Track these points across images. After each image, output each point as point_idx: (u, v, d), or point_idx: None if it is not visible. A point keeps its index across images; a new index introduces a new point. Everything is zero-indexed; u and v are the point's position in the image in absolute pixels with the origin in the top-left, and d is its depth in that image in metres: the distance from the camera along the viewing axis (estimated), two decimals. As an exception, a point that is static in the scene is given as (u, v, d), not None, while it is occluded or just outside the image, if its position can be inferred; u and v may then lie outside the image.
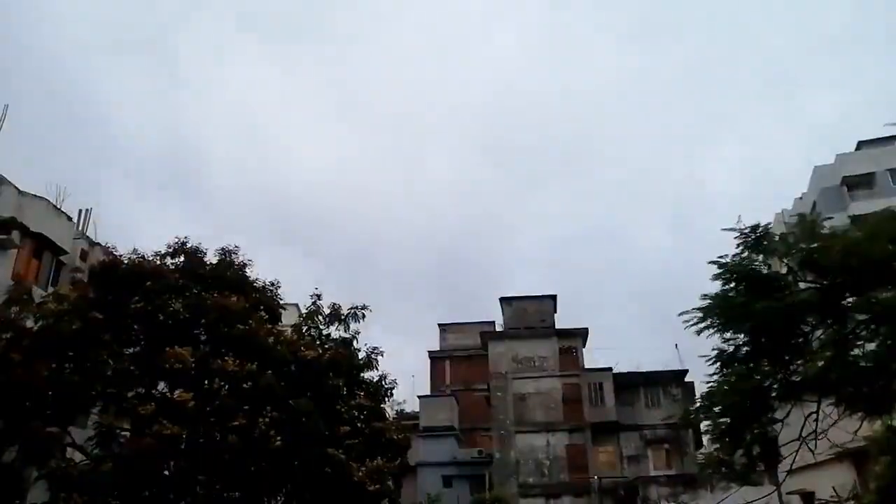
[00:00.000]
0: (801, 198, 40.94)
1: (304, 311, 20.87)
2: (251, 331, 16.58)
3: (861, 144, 40.27)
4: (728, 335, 9.70)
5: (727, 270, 9.78)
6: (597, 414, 38.66)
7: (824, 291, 9.04)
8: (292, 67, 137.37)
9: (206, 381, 15.40)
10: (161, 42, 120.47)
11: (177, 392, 15.61)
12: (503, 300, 43.51)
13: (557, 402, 39.40)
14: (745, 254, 9.79)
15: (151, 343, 16.67)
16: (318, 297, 20.58)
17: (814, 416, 9.77)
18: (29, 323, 16.41)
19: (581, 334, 41.40)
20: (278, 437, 14.94)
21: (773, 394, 9.49)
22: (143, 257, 18.32)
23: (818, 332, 9.61)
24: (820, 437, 9.87)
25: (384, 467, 17.35)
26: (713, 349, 9.99)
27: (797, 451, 10.23)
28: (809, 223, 9.90)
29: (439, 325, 54.03)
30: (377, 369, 20.41)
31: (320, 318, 20.50)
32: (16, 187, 21.65)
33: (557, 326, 42.12)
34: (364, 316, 20.44)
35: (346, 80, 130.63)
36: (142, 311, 16.47)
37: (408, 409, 45.91)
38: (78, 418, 16.74)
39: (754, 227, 9.71)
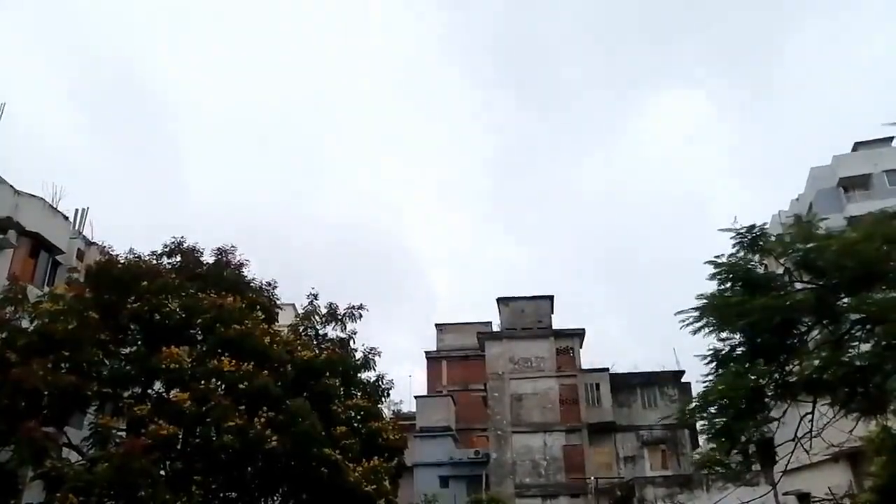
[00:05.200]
0: (797, 199, 41.04)
1: (300, 311, 20.85)
2: (247, 331, 16.55)
3: (857, 146, 40.35)
4: (724, 335, 9.73)
5: (723, 270, 9.81)
6: (593, 414, 38.66)
7: (820, 292, 9.06)
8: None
9: (202, 382, 15.36)
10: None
11: (173, 392, 15.59)
12: (500, 300, 43.48)
13: (554, 402, 39.38)
14: (742, 254, 9.82)
15: (147, 343, 16.64)
16: (315, 297, 20.57)
17: (809, 416, 9.79)
18: (25, 323, 16.36)
19: (578, 335, 41.40)
20: (274, 438, 14.91)
21: (769, 393, 9.51)
22: (139, 257, 18.31)
23: (814, 333, 9.64)
24: (815, 437, 9.89)
25: (381, 467, 17.33)
26: (709, 348, 10.03)
27: (793, 451, 10.26)
28: (806, 224, 9.94)
29: (436, 325, 54.03)
30: (374, 369, 20.43)
31: (317, 318, 20.48)
32: (12, 186, 21.60)
33: (554, 327, 42.13)
34: (361, 316, 20.46)
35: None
36: (138, 312, 16.44)
37: (405, 409, 45.96)
38: (74, 418, 16.69)
39: (750, 228, 9.74)
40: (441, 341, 53.21)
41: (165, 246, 19.26)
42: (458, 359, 50.99)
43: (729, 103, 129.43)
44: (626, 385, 39.71)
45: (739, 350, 9.80)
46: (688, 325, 9.82)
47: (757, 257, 10.06)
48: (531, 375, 40.17)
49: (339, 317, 20.39)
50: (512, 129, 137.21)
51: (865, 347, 8.92)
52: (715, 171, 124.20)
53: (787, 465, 10.98)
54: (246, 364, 15.75)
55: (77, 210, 25.56)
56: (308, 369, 17.34)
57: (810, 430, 9.80)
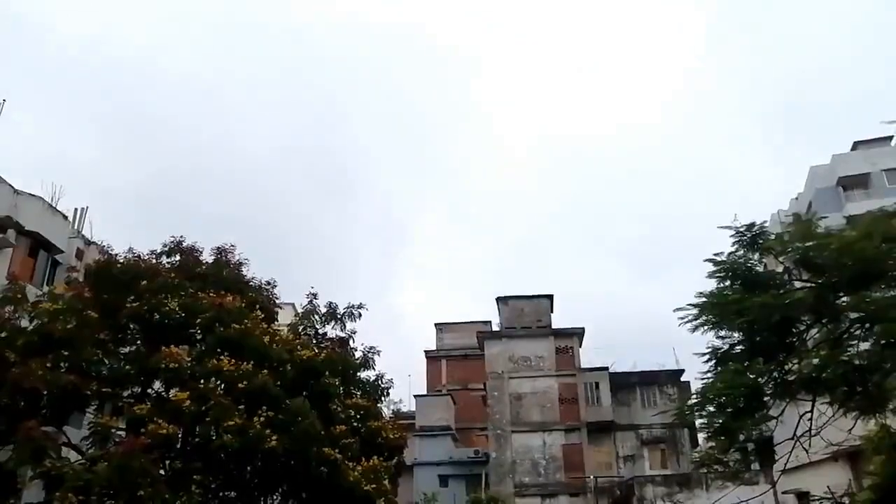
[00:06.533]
0: (797, 198, 41.08)
1: (300, 310, 20.83)
2: (247, 330, 16.52)
3: (857, 145, 40.37)
4: (723, 332, 9.74)
5: (723, 268, 9.82)
6: (593, 414, 38.68)
7: (819, 290, 9.07)
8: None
9: (201, 381, 15.33)
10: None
11: (172, 392, 15.58)
12: (499, 300, 43.51)
13: (554, 401, 39.40)
14: (741, 252, 9.83)
15: (147, 343, 16.64)
16: (315, 296, 20.56)
17: (808, 414, 9.79)
18: (24, 322, 16.36)
19: (577, 334, 41.42)
20: (274, 437, 14.90)
21: (768, 392, 9.52)
22: (138, 256, 18.29)
23: (813, 331, 9.65)
24: (814, 436, 9.90)
25: (380, 467, 17.31)
26: (708, 346, 10.03)
27: (792, 450, 10.26)
28: (805, 223, 9.97)
29: (436, 324, 54.01)
30: (374, 369, 20.42)
31: (316, 317, 20.46)
32: (11, 186, 21.60)
33: (554, 326, 42.16)
34: (360, 315, 20.45)
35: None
36: (137, 311, 16.42)
37: (404, 408, 45.91)
38: (73, 418, 16.69)
39: (750, 226, 9.75)
40: (440, 340, 53.21)
41: (164, 245, 19.24)
42: (458, 358, 50.98)
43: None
44: (626, 384, 39.75)
45: (738, 348, 9.81)
46: (686, 322, 9.83)
47: (757, 255, 10.06)
48: (531, 374, 40.18)
49: (339, 316, 20.38)
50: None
51: (864, 346, 8.93)
52: None
53: (786, 464, 11.00)
54: (245, 363, 15.72)
55: (76, 209, 25.61)
56: (308, 369, 17.31)
57: (809, 429, 9.81)
